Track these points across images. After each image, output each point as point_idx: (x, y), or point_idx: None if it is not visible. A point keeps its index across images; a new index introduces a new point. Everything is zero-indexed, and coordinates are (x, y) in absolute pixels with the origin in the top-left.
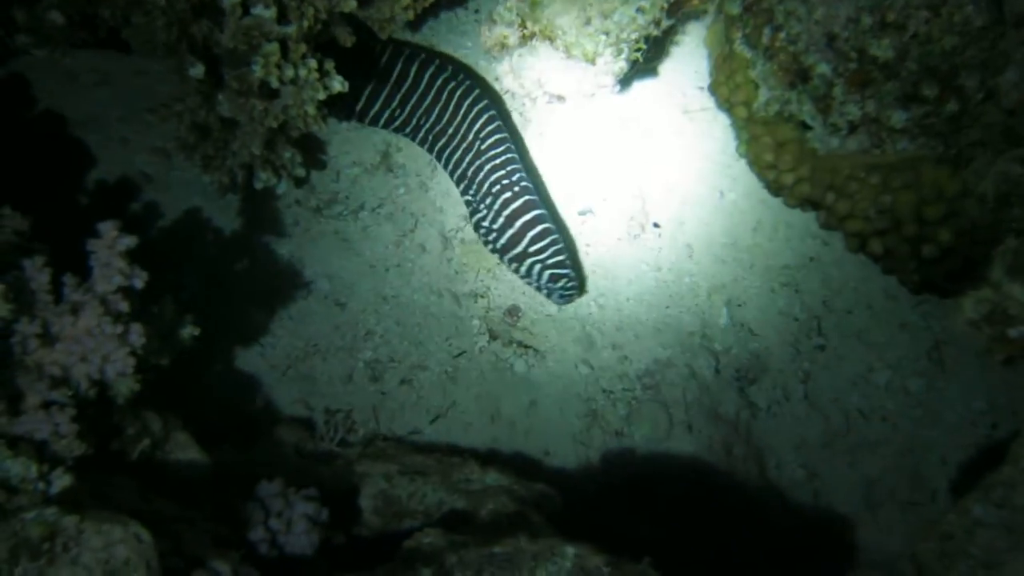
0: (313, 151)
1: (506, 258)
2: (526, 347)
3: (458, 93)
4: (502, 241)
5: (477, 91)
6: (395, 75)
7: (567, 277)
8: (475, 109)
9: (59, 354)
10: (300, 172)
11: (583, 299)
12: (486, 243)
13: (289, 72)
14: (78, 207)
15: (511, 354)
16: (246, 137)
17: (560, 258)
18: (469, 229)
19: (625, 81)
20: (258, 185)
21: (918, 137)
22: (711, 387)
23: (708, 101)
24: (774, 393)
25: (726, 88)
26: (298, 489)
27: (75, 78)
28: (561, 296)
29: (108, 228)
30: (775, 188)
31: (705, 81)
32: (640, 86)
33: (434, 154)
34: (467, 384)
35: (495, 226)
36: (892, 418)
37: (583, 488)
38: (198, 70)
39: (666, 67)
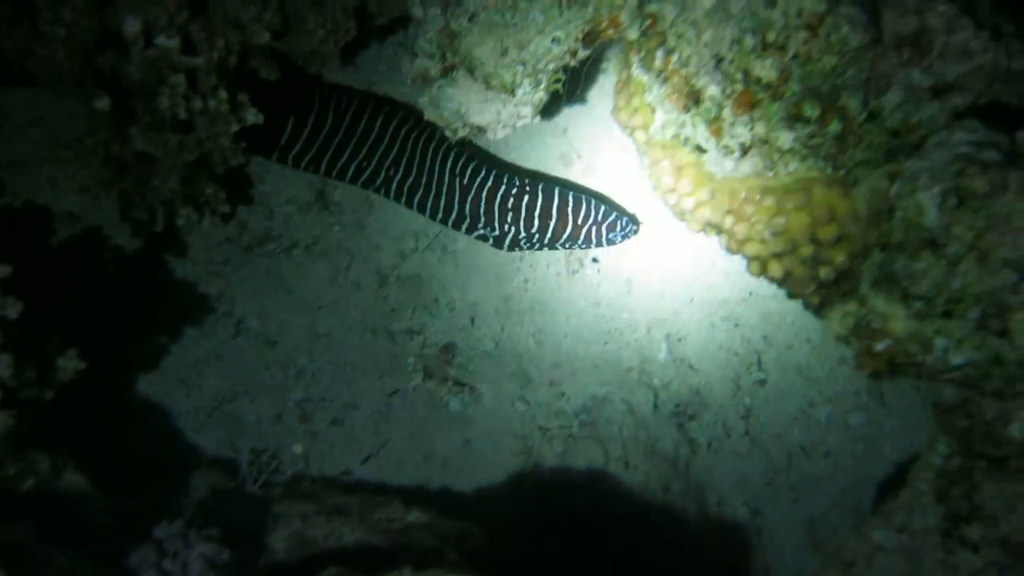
0: (243, 188)
1: (562, 245)
2: (462, 384)
3: (420, 140)
4: (550, 236)
5: (430, 130)
6: (341, 126)
7: (621, 218)
8: (440, 151)
9: None
10: (224, 208)
11: (521, 335)
12: (539, 248)
13: (198, 104)
14: None
15: (446, 392)
16: (164, 172)
17: (604, 207)
18: (405, 265)
19: (552, 111)
20: (180, 222)
21: (807, 158)
22: (649, 423)
23: None
24: (715, 429)
25: (625, 113)
26: (199, 530)
27: (7, 118)
28: (630, 233)
29: None
30: (677, 213)
31: None
32: (571, 114)
33: (415, 207)
34: (400, 423)
35: (535, 230)
36: (834, 454)
37: (516, 526)
38: (104, 102)
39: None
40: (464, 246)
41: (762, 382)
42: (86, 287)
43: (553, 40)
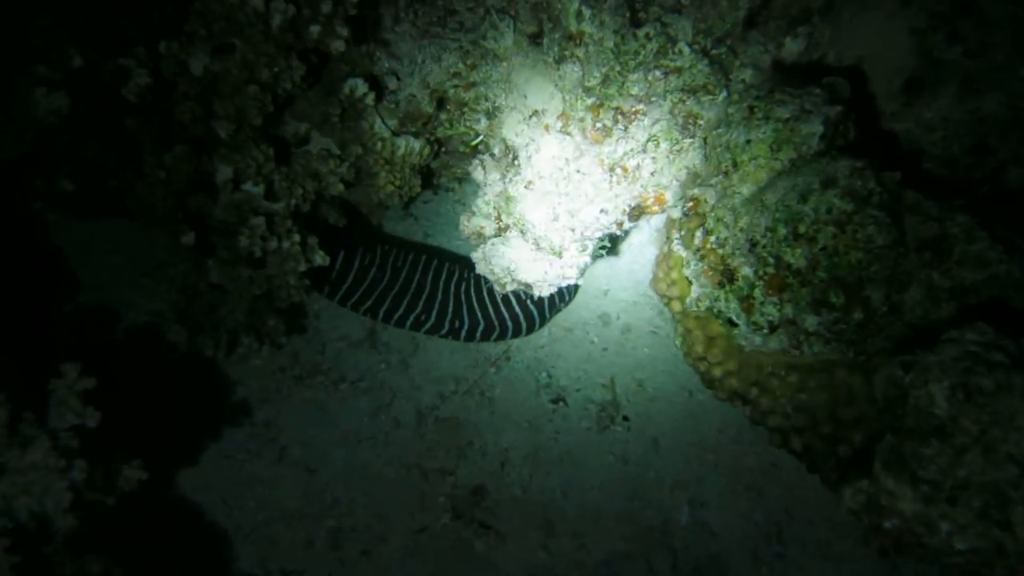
0: (300, 322)
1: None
2: (487, 528)
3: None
4: (527, 327)
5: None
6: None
7: (560, 297)
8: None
9: (4, 485)
10: (282, 340)
11: (548, 484)
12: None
13: (272, 244)
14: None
15: (472, 534)
16: (233, 303)
17: (546, 296)
18: (444, 407)
19: (595, 274)
20: (241, 351)
21: (831, 342)
22: None
23: None
24: None
25: (664, 284)
26: None
27: (89, 246)
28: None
29: (69, 369)
30: (707, 381)
31: None
32: (612, 277)
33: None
34: (426, 560)
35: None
36: None
37: None
38: (189, 238)
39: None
40: (501, 393)
41: (781, 556)
42: (148, 401)
43: (601, 211)
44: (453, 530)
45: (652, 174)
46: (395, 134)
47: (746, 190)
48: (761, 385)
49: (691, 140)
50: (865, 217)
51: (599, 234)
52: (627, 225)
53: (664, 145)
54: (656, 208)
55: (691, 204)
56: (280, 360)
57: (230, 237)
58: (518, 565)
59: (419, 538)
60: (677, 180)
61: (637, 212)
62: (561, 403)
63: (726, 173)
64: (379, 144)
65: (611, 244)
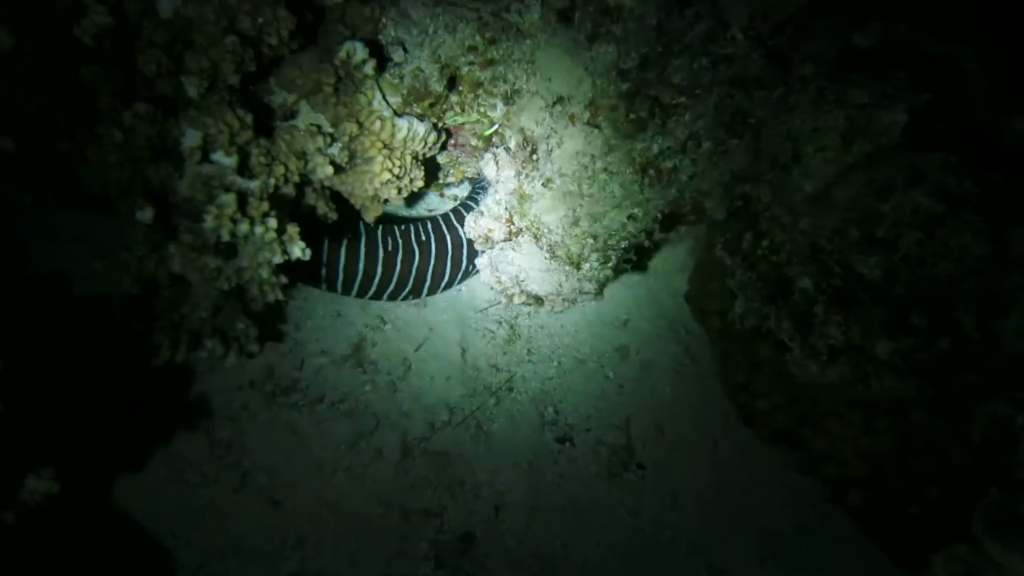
0: (277, 330)
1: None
2: None
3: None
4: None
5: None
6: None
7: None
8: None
9: None
10: (254, 349)
11: (548, 535)
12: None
13: (244, 228)
14: None
15: None
16: (197, 298)
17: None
18: (435, 439)
19: (615, 293)
20: (203, 354)
21: (906, 375)
22: None
23: (706, 337)
24: None
25: (701, 295)
26: None
27: (57, 234)
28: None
29: None
30: (746, 414)
31: None
32: (630, 281)
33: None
34: None
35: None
36: None
37: None
38: (146, 214)
39: (659, 261)
40: (500, 427)
41: None
42: (86, 405)
43: (630, 217)
44: None
45: (691, 178)
46: (397, 114)
47: (809, 187)
48: (815, 424)
49: (738, 142)
50: (959, 222)
51: (624, 244)
52: (657, 236)
53: (707, 145)
54: (693, 218)
55: (740, 202)
56: (251, 373)
57: (195, 218)
58: None
59: None
60: (720, 186)
61: (672, 221)
62: (568, 443)
63: (785, 167)
64: (377, 124)
65: (637, 258)
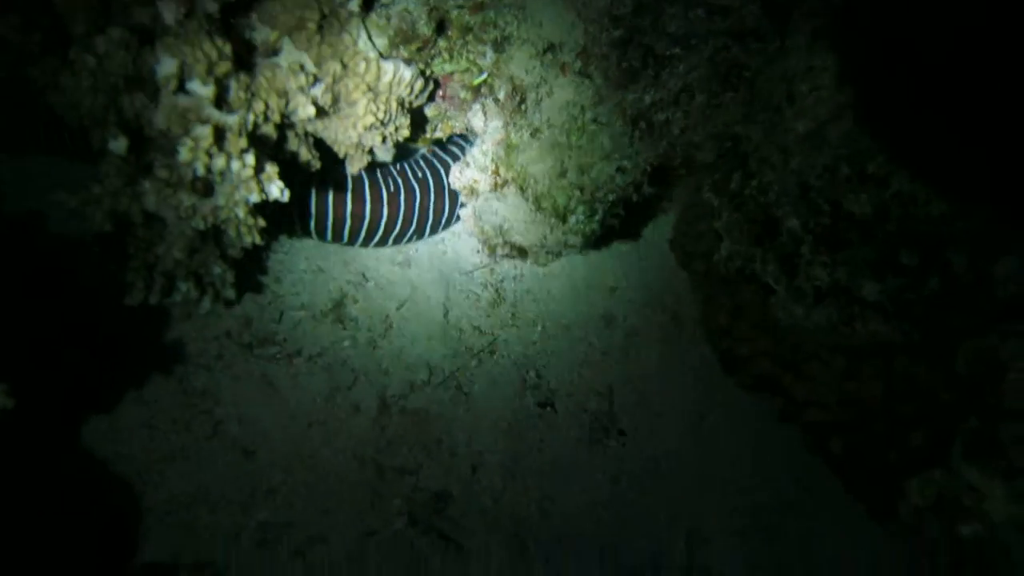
0: (256, 281)
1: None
2: (447, 540)
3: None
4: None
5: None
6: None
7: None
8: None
9: None
10: (230, 295)
11: (525, 498)
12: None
13: (220, 162)
14: None
15: (428, 545)
16: (172, 238)
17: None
18: (413, 397)
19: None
20: (176, 297)
21: (893, 318)
22: None
23: (695, 308)
24: None
25: (686, 238)
26: None
27: (32, 180)
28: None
29: None
30: (728, 361)
31: None
32: (619, 249)
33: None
34: (368, 569)
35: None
36: None
37: None
38: (120, 144)
39: (650, 230)
40: (481, 389)
41: None
42: (57, 343)
43: (618, 169)
44: (406, 538)
45: (682, 131)
46: (383, 56)
47: (802, 127)
48: (798, 370)
49: (733, 95)
50: None
51: (612, 197)
52: (646, 190)
53: (700, 98)
54: (684, 171)
55: (729, 144)
56: (228, 323)
57: (171, 154)
58: None
59: (365, 543)
60: (712, 139)
61: (662, 176)
62: (549, 408)
63: (778, 108)
64: (362, 65)
65: (624, 213)
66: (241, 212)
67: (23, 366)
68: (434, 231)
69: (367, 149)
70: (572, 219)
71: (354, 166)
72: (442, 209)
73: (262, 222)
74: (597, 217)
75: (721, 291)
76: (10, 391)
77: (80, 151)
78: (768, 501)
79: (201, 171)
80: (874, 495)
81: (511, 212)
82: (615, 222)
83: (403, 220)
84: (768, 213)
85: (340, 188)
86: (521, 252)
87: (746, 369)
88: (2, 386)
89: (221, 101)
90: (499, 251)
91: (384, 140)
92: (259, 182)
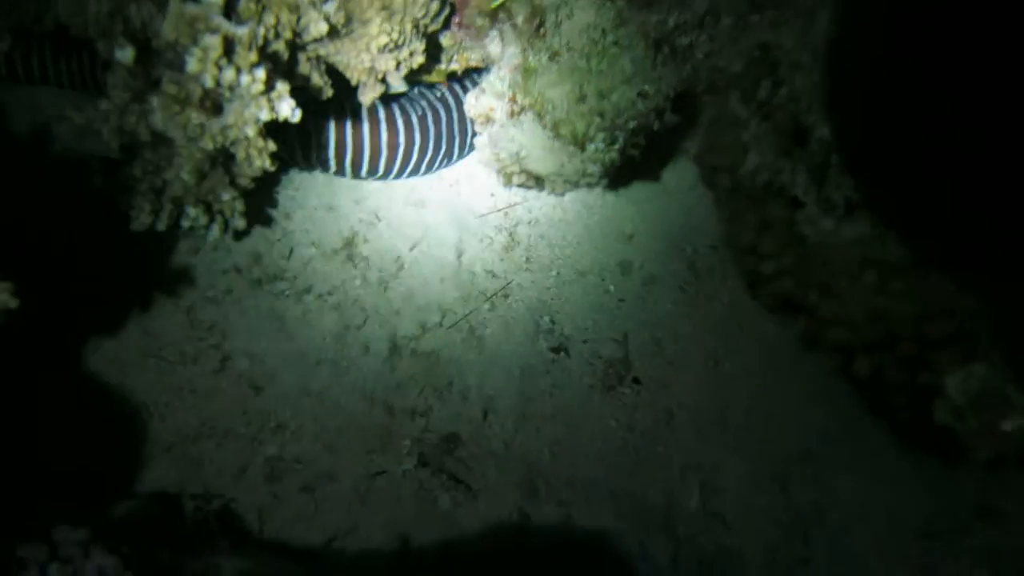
0: (265, 215)
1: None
2: (458, 481)
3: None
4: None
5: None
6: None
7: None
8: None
9: None
10: (239, 223)
11: (536, 442)
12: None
13: (229, 75)
14: None
15: (438, 485)
16: (181, 160)
17: None
18: (425, 339)
19: (619, 182)
20: (185, 224)
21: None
22: (664, 574)
23: (714, 256)
24: None
25: (711, 152)
26: (106, 543)
27: (40, 109)
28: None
29: None
30: (752, 280)
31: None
32: (638, 196)
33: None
34: (378, 508)
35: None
36: None
37: None
38: (127, 54)
39: (671, 176)
40: (493, 332)
41: (804, 561)
42: (62, 267)
43: (640, 94)
44: (416, 479)
45: (707, 56)
46: None
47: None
48: (825, 288)
49: (759, 17)
50: None
51: (633, 124)
52: (669, 118)
53: (726, 21)
54: (708, 97)
55: (758, 52)
56: (236, 258)
57: (179, 68)
58: (487, 528)
59: (374, 482)
60: (739, 62)
61: (687, 102)
62: (563, 353)
63: (811, 12)
64: None
65: (645, 143)
66: (251, 131)
67: (27, 275)
68: (461, 152)
69: (380, 76)
70: (591, 147)
71: (367, 95)
72: (454, 140)
73: (272, 146)
74: (617, 146)
75: (747, 207)
76: (14, 291)
77: (84, 79)
78: (785, 452)
79: (210, 83)
80: (901, 412)
81: (528, 139)
82: (635, 152)
83: (419, 151)
84: (798, 122)
85: (355, 118)
86: (537, 180)
87: (770, 288)
88: (5, 284)
89: (231, 11)
90: (515, 180)
91: (398, 66)
92: (269, 100)
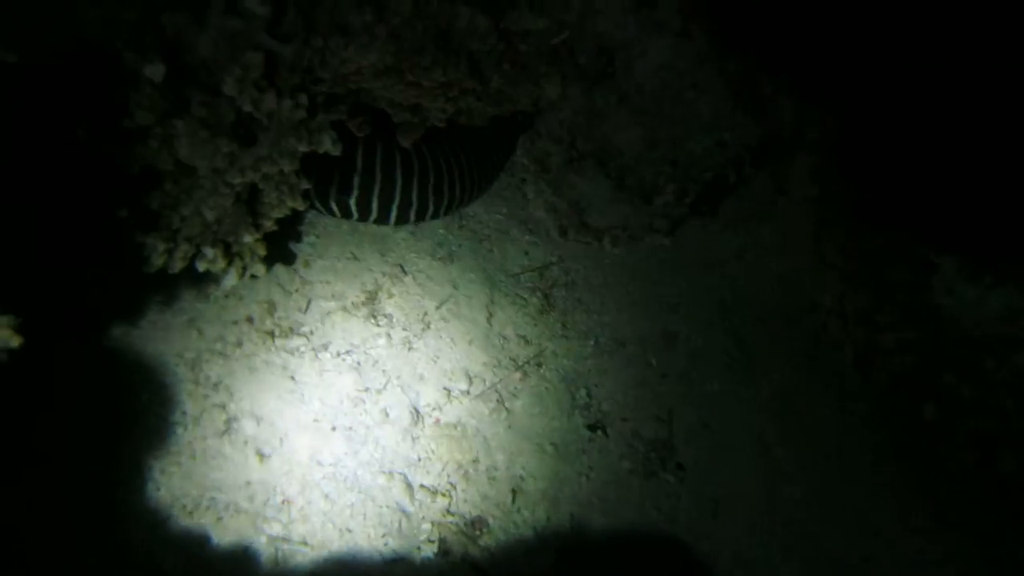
0: (286, 262)
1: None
2: (482, 573)
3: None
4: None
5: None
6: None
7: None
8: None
9: None
10: (258, 269)
11: (569, 533)
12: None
13: (269, 103)
14: None
15: None
16: (202, 195)
17: None
18: (450, 408)
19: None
20: (200, 266)
21: None
22: None
23: (764, 330)
24: None
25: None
26: None
27: None
28: None
29: None
30: (861, 353)
31: None
32: (685, 261)
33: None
34: None
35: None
36: None
37: None
38: (157, 70)
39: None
40: (525, 405)
41: None
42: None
43: (718, 143)
44: (436, 569)
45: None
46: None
47: None
48: (966, 368)
49: None
50: None
51: (707, 175)
52: (748, 170)
53: None
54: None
55: None
56: (249, 307)
57: (213, 90)
58: None
59: (389, 570)
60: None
61: (766, 151)
62: (600, 432)
63: None
64: (435, 3)
65: (718, 196)
66: (287, 165)
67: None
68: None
69: (425, 117)
70: (659, 200)
71: (407, 138)
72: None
73: (305, 183)
74: (688, 200)
75: (863, 267)
76: (17, 327)
77: None
78: (844, 551)
79: (248, 107)
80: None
81: (589, 187)
82: (705, 208)
83: (435, 199)
84: None
85: (388, 159)
86: (596, 235)
87: (886, 364)
88: (7, 319)
89: (275, 25)
90: (570, 234)
91: (446, 104)
92: (308, 130)
